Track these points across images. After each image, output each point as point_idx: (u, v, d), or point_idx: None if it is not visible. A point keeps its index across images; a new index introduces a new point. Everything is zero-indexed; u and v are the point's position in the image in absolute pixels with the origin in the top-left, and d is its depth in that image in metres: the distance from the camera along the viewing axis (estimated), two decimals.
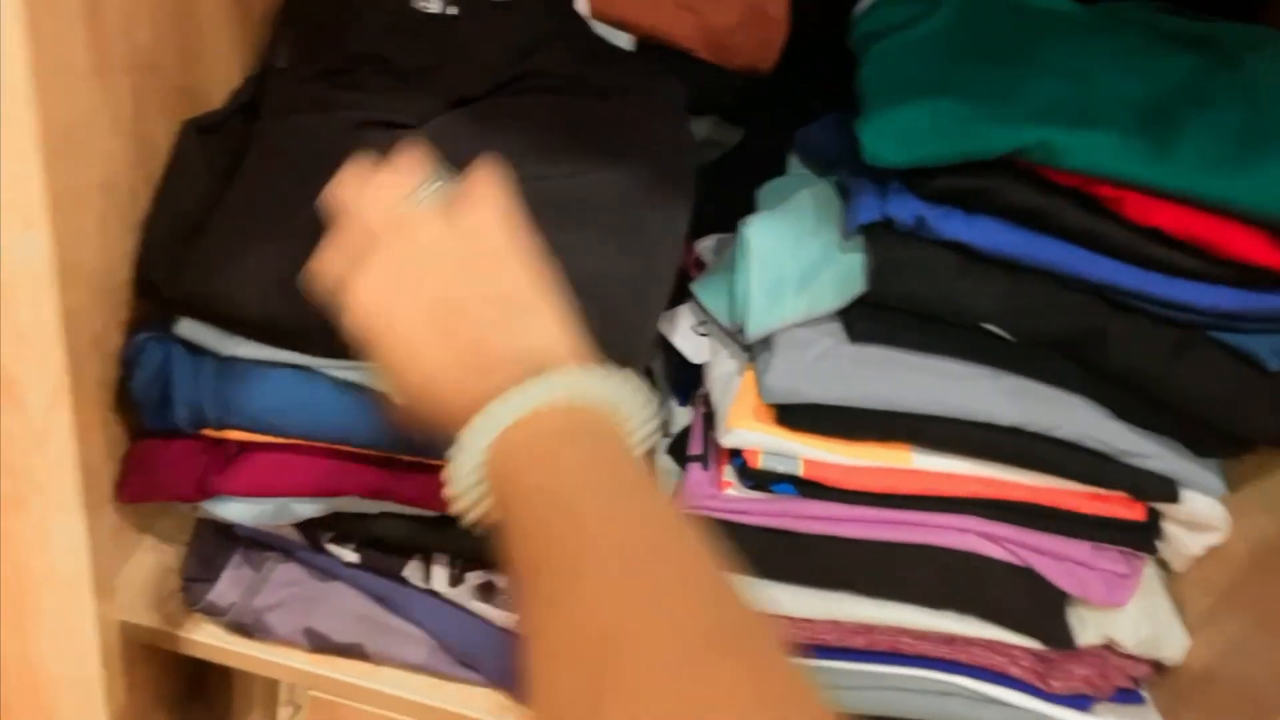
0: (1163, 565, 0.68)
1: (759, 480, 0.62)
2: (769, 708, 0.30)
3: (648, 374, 0.71)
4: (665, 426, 0.70)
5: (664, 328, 0.69)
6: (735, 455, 0.62)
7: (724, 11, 0.75)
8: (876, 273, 0.59)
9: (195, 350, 0.60)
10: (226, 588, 0.66)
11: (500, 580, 0.66)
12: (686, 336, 0.70)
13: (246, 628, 0.66)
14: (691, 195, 0.64)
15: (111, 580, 0.65)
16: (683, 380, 0.72)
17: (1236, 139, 0.55)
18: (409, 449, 0.60)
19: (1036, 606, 0.64)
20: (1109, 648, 0.66)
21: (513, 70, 0.67)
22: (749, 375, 0.64)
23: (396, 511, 0.64)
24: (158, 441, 0.62)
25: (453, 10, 0.69)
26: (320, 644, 0.66)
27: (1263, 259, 0.54)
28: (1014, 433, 0.60)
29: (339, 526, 0.66)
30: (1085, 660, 0.65)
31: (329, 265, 0.45)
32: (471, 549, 0.65)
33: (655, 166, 0.63)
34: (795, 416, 0.61)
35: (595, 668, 0.32)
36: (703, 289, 0.68)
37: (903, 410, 0.60)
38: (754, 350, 0.65)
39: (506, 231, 0.45)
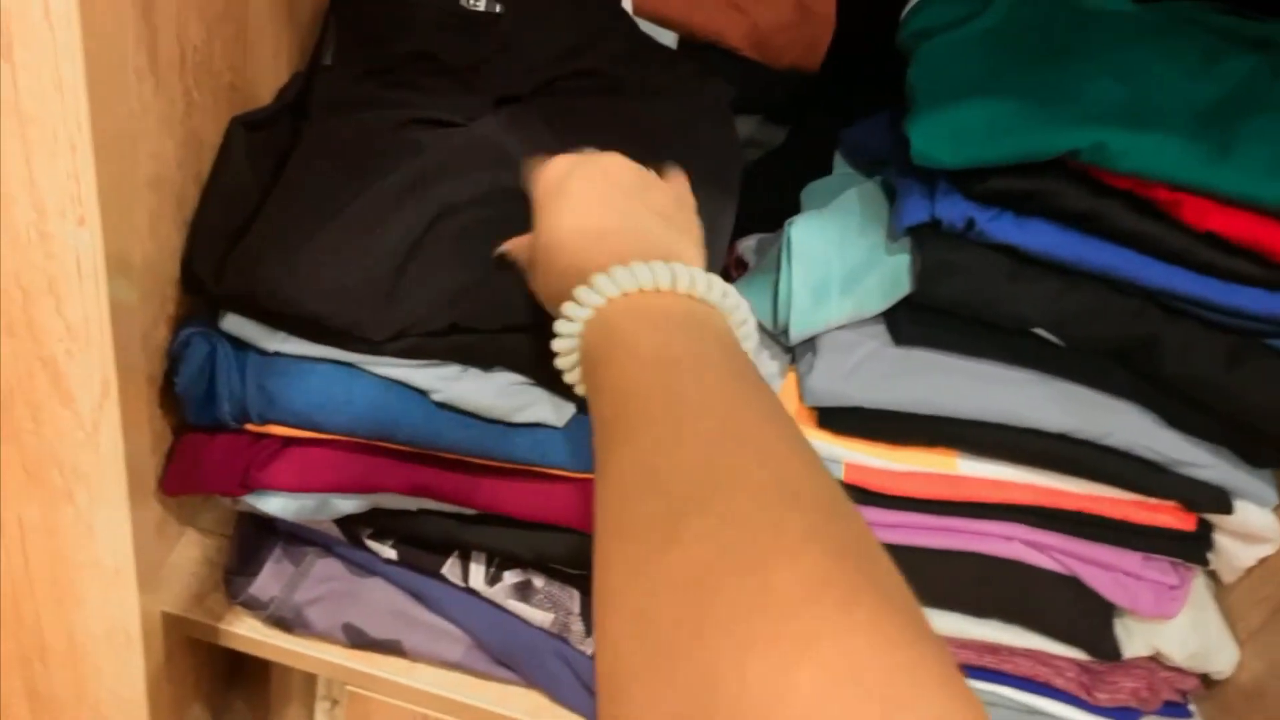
0: (1213, 577, 0.67)
1: None
2: (843, 553, 0.29)
3: None
4: None
5: None
6: None
7: (771, 10, 0.75)
8: (924, 275, 0.58)
9: (239, 346, 0.60)
10: (267, 581, 0.66)
11: (537, 580, 0.66)
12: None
13: (286, 622, 0.66)
14: (735, 198, 0.63)
15: (155, 572, 0.65)
16: None
17: None
18: (448, 446, 0.60)
19: (1083, 617, 0.63)
20: (1156, 660, 0.65)
21: (557, 69, 0.67)
22: (791, 377, 0.63)
23: (435, 509, 0.64)
24: (202, 435, 0.62)
25: (499, 8, 0.69)
26: (358, 639, 0.66)
27: None
28: (1062, 440, 0.59)
29: (378, 523, 0.66)
30: (1132, 672, 0.64)
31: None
32: (509, 548, 0.65)
33: (700, 168, 0.63)
34: (838, 420, 0.61)
35: (679, 500, 0.31)
36: (745, 289, 0.67)
37: (948, 415, 0.60)
38: (796, 352, 0.64)
39: (673, 188, 0.53)
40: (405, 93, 0.63)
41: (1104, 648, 0.63)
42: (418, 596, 0.67)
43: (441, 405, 0.59)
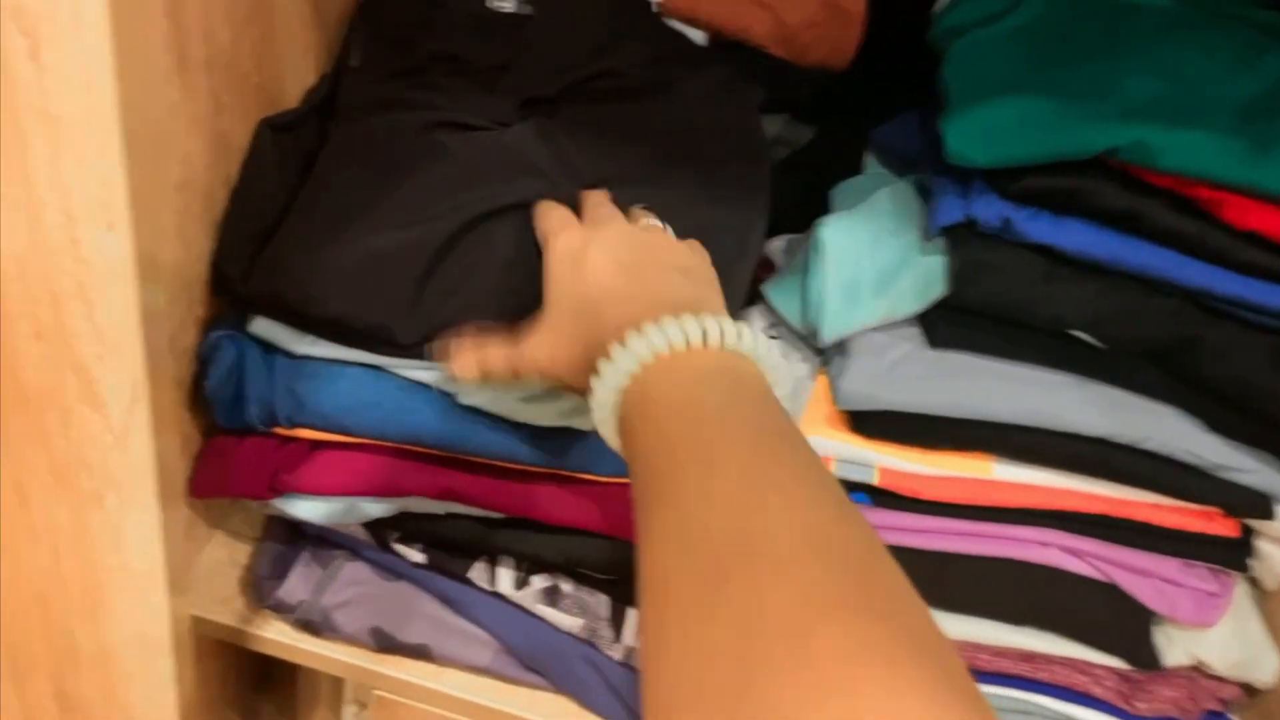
0: (1254, 584, 0.65)
1: None
2: (884, 617, 0.29)
3: None
4: None
5: None
6: None
7: (799, 7, 0.74)
8: (959, 275, 0.57)
9: (268, 348, 0.60)
10: (295, 585, 0.66)
11: (566, 585, 0.66)
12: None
13: (314, 625, 0.66)
14: (766, 212, 0.62)
15: (183, 575, 0.65)
16: None
17: None
18: (476, 450, 0.59)
19: (1121, 624, 0.62)
20: (1197, 669, 0.63)
21: (585, 70, 0.66)
22: (822, 380, 0.63)
23: (463, 513, 0.63)
24: (231, 438, 0.62)
25: (527, 9, 0.68)
26: (386, 643, 0.66)
27: None
28: (1101, 444, 0.58)
29: (406, 526, 0.66)
30: (1172, 681, 0.63)
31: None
32: (537, 552, 0.64)
33: (727, 178, 0.62)
34: (871, 424, 0.60)
35: (721, 564, 0.31)
36: (774, 291, 0.67)
37: (983, 418, 0.59)
38: (827, 354, 0.63)
39: (677, 241, 0.54)
40: (431, 94, 0.63)
41: (1143, 656, 0.62)
42: (446, 601, 0.67)
43: (469, 409, 0.59)
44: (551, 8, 0.69)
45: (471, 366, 0.53)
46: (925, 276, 0.59)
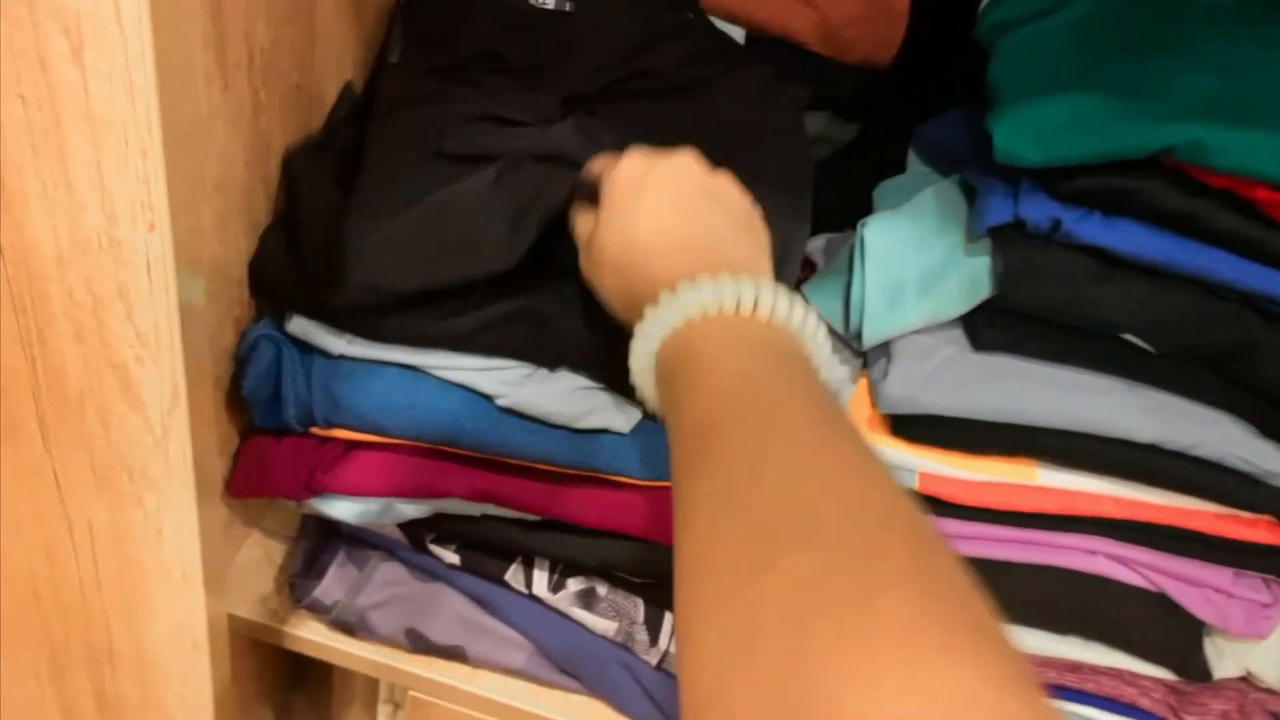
0: None
1: None
2: (940, 589, 0.28)
3: None
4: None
5: None
6: None
7: (843, 4, 0.73)
8: (1006, 277, 0.56)
9: (305, 349, 0.60)
10: (331, 585, 0.66)
11: (601, 588, 0.65)
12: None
13: (349, 626, 0.66)
14: (808, 217, 0.61)
15: (221, 574, 0.65)
16: None
17: None
18: (512, 451, 0.59)
19: (1170, 635, 0.60)
20: (1248, 681, 0.62)
21: (626, 68, 0.66)
22: (863, 383, 0.62)
23: (499, 515, 0.63)
24: (268, 438, 0.62)
25: (567, 6, 0.68)
26: (421, 645, 0.66)
27: None
28: (1151, 450, 0.57)
29: (441, 528, 0.65)
30: (1222, 694, 0.61)
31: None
32: (572, 555, 0.64)
33: (769, 181, 0.61)
34: (912, 428, 0.59)
35: (775, 530, 0.30)
36: (814, 291, 0.66)
37: (1029, 423, 0.57)
38: (869, 357, 0.62)
39: (750, 200, 0.51)
40: (471, 90, 0.62)
41: (1193, 668, 0.60)
42: (481, 602, 0.67)
43: (506, 410, 0.58)
44: (593, 6, 0.68)
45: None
46: (971, 278, 0.58)
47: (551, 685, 0.66)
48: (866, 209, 0.66)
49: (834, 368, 0.44)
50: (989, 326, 0.58)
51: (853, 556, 0.29)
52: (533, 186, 0.55)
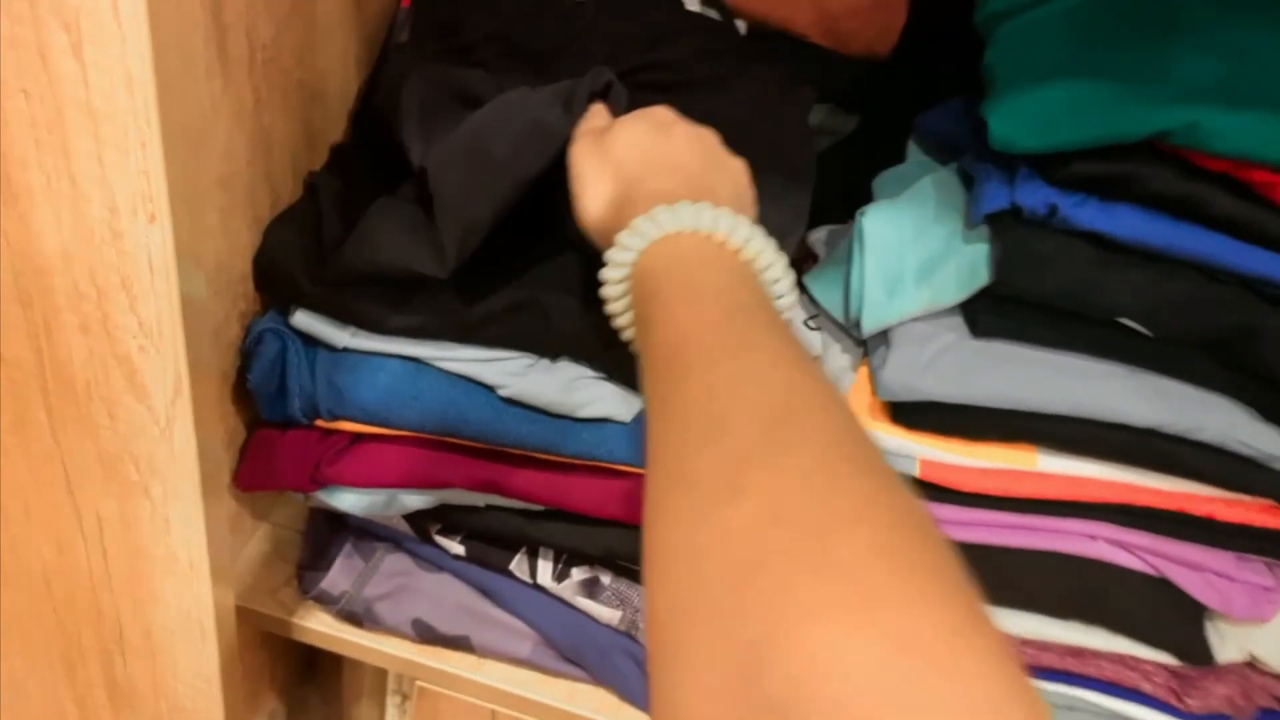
0: None
1: None
2: (913, 536, 0.28)
3: None
4: None
5: None
6: None
7: None
8: (1004, 264, 0.56)
9: (310, 343, 0.60)
10: (338, 577, 0.67)
11: (605, 577, 0.66)
12: (798, 331, 0.68)
13: (357, 616, 0.66)
14: (806, 213, 0.61)
15: (228, 566, 0.66)
16: None
17: None
18: (514, 442, 0.59)
19: (1172, 619, 0.60)
20: (1251, 665, 0.62)
21: (637, 60, 0.66)
22: (863, 371, 0.62)
23: (503, 505, 0.64)
24: (274, 431, 0.63)
25: None
26: (427, 634, 0.66)
27: None
28: (1151, 435, 0.57)
29: (447, 518, 0.66)
30: (1225, 678, 0.61)
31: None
32: (576, 545, 0.64)
33: (771, 179, 0.62)
34: (912, 415, 0.59)
35: (749, 448, 0.31)
36: (815, 281, 0.66)
37: (1028, 409, 0.58)
38: (869, 345, 0.62)
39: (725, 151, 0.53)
40: (480, 72, 0.62)
41: (1195, 652, 0.60)
42: (486, 592, 0.67)
43: (508, 400, 0.59)
44: None
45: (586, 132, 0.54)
46: (969, 265, 0.58)
47: (557, 674, 0.67)
48: (867, 199, 0.66)
49: (791, 299, 0.45)
50: (988, 313, 0.58)
51: (815, 491, 0.29)
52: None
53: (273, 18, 0.53)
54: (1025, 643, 0.62)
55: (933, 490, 0.59)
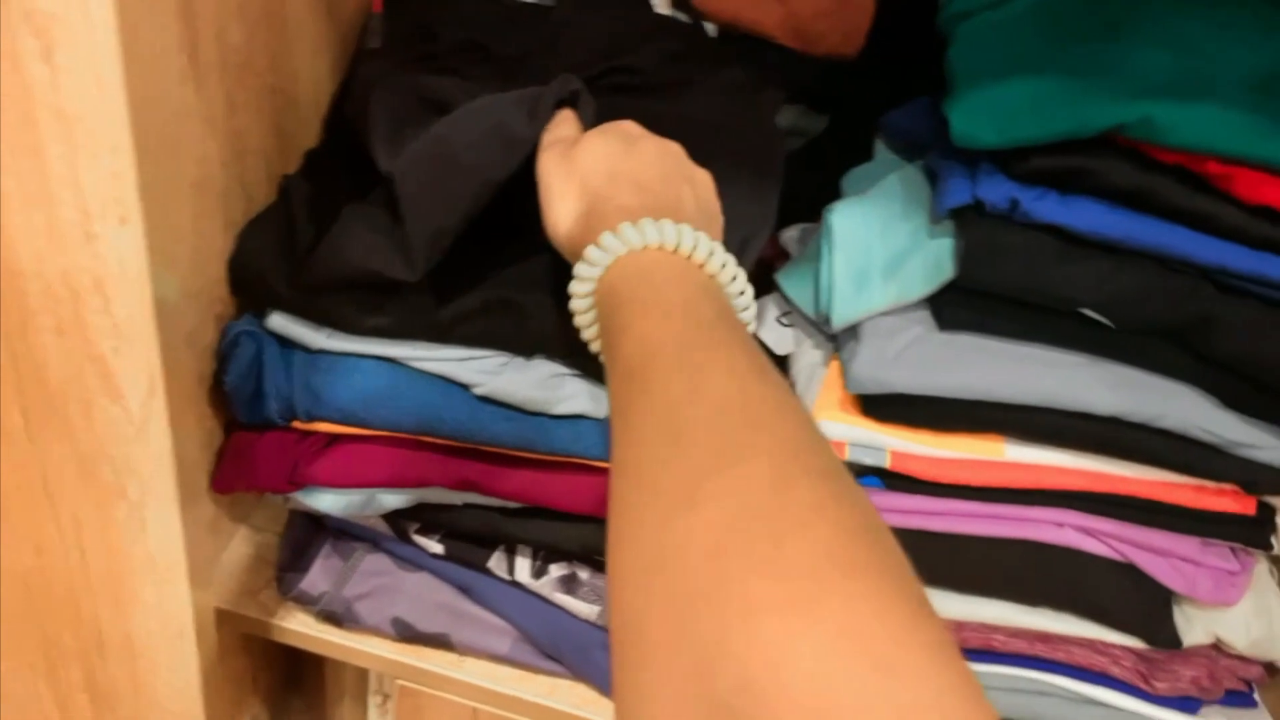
0: (1276, 562, 0.65)
1: None
2: (861, 537, 0.30)
3: None
4: None
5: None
6: None
7: None
8: (967, 258, 0.57)
9: (286, 344, 0.61)
10: (317, 577, 0.67)
11: (583, 573, 0.66)
12: (771, 328, 0.69)
13: (337, 617, 0.67)
14: (773, 216, 0.62)
15: (208, 568, 0.67)
16: None
17: None
18: (490, 440, 0.60)
19: (1139, 604, 0.61)
20: (1218, 648, 0.63)
21: (605, 64, 0.67)
22: (834, 365, 0.63)
23: (480, 503, 0.64)
24: (251, 433, 0.63)
25: (549, 1, 0.69)
26: (407, 633, 0.67)
27: None
28: (1114, 423, 0.58)
29: (425, 517, 0.66)
30: (1192, 661, 0.62)
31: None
32: (554, 541, 0.65)
33: (739, 180, 0.62)
34: (882, 407, 0.60)
35: (708, 458, 0.32)
36: (786, 279, 0.67)
37: (995, 400, 0.59)
38: (840, 340, 0.63)
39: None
40: (450, 79, 0.63)
41: (1163, 636, 0.61)
42: (465, 590, 0.68)
43: (483, 399, 0.59)
44: (576, 1, 0.69)
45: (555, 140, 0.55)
46: (934, 260, 0.59)
47: (537, 670, 0.67)
48: (838, 198, 0.67)
49: (751, 311, 0.47)
50: (953, 306, 0.59)
51: (768, 497, 0.30)
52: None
53: (244, 22, 0.54)
54: (995, 629, 0.63)
55: (903, 480, 0.60)
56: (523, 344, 0.60)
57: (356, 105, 0.61)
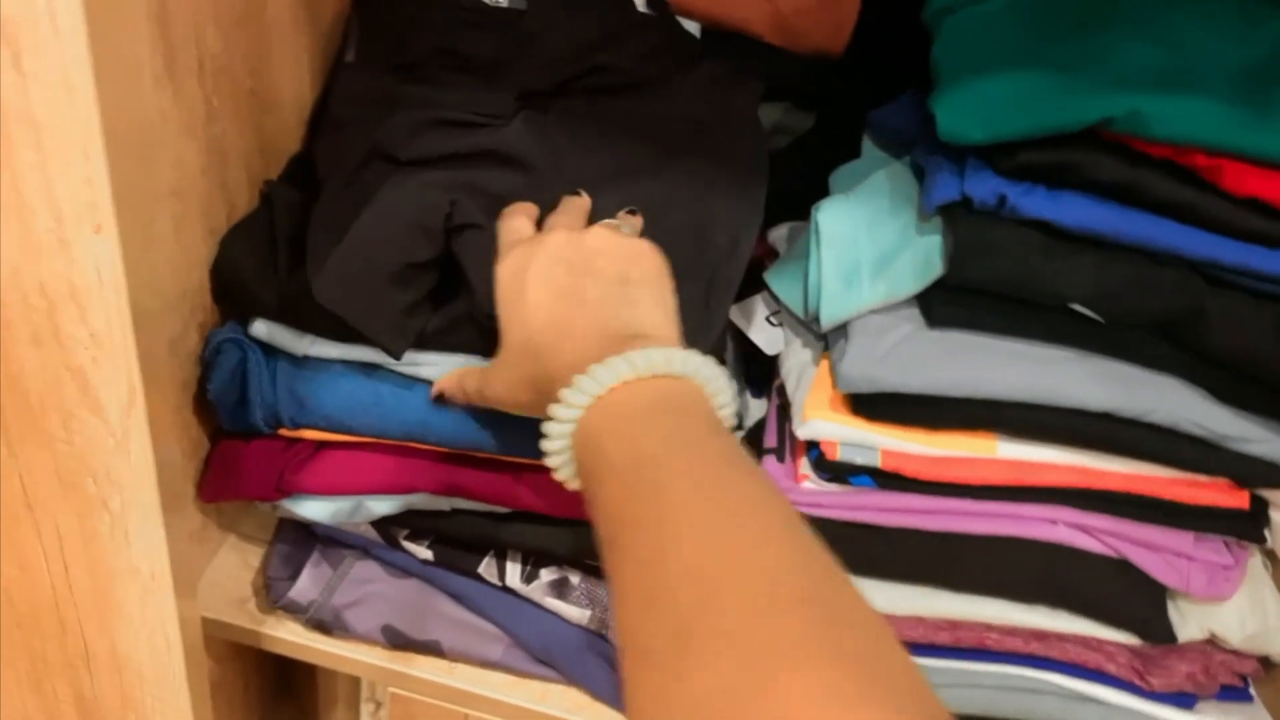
0: (1270, 556, 0.65)
1: (836, 472, 0.60)
2: (849, 659, 0.30)
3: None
4: (740, 420, 0.69)
5: (737, 319, 0.68)
6: (812, 447, 0.61)
7: None
8: (956, 255, 0.57)
9: (270, 351, 0.60)
10: (306, 585, 0.67)
11: (574, 577, 0.66)
12: (760, 327, 0.68)
13: (326, 625, 0.66)
14: (760, 210, 0.62)
15: (194, 578, 0.66)
16: (757, 372, 0.70)
17: None
18: (477, 445, 0.60)
19: (1134, 600, 0.61)
20: (1213, 643, 0.62)
21: (581, 65, 0.66)
22: (824, 364, 0.62)
23: (468, 508, 0.64)
24: (238, 442, 0.63)
25: (521, 4, 0.68)
26: (398, 641, 0.66)
27: None
28: (1106, 419, 0.58)
29: (414, 524, 0.66)
30: (1187, 656, 0.62)
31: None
32: (544, 545, 0.64)
33: (722, 177, 0.62)
34: (873, 406, 0.60)
35: (683, 618, 0.32)
36: (775, 278, 0.67)
37: (986, 397, 0.58)
38: (829, 339, 0.63)
39: (626, 242, 0.52)
40: (427, 89, 0.63)
41: (1157, 631, 0.61)
42: (455, 596, 0.67)
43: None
44: (548, 3, 0.69)
45: (454, 390, 0.55)
46: (923, 257, 0.58)
47: (529, 676, 0.67)
48: (826, 196, 0.67)
49: (729, 393, 0.46)
50: (942, 304, 0.59)
51: (757, 644, 0.30)
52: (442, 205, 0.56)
53: (221, 28, 0.54)
54: (990, 628, 0.62)
55: (895, 480, 0.60)
56: None
57: (325, 141, 0.61)
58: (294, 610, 0.67)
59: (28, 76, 0.37)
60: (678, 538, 0.35)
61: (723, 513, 0.36)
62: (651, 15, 0.73)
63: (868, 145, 0.70)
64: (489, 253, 0.53)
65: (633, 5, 0.73)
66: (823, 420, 0.60)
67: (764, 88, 0.72)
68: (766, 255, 0.72)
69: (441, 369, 0.59)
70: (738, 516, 0.36)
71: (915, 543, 0.61)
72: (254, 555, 0.71)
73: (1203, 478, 0.59)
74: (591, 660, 0.65)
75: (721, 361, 0.68)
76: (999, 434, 0.60)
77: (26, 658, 0.60)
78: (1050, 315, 0.58)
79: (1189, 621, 0.61)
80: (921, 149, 0.61)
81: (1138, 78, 0.54)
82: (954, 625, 0.63)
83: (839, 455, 0.60)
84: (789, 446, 0.64)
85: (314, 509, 0.63)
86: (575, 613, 0.65)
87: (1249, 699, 0.64)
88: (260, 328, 0.60)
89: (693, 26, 0.76)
